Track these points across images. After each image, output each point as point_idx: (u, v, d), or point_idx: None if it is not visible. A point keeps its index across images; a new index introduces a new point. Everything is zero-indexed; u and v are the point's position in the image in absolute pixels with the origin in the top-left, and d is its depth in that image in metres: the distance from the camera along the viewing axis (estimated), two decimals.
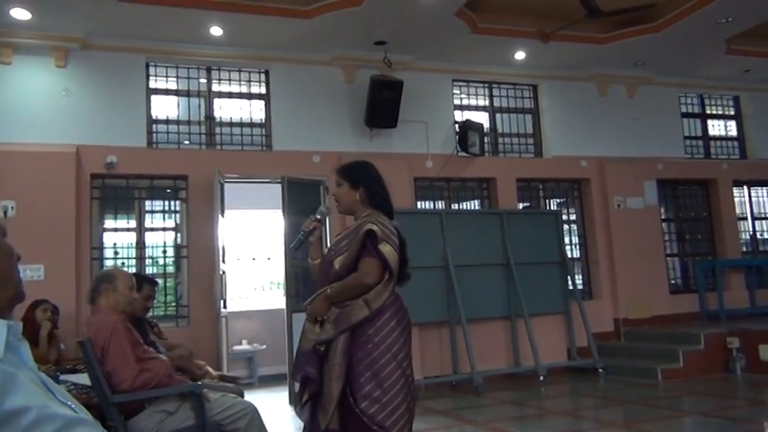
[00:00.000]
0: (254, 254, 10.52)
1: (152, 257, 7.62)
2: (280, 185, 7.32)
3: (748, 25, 8.33)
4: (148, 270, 7.53)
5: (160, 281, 7.40)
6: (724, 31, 8.42)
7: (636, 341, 8.59)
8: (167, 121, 7.83)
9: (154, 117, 7.75)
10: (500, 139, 9.32)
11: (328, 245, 3.25)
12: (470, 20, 7.80)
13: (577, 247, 9.39)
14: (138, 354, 3.36)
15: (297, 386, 2.97)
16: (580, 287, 8.87)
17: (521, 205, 9.08)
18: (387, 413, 2.74)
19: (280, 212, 7.33)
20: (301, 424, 3.05)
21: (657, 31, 8.28)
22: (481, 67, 8.97)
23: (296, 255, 6.90)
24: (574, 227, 9.47)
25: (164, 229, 7.70)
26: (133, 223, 7.56)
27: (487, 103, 9.36)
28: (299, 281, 7.20)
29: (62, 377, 3.92)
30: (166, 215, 7.74)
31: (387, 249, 2.87)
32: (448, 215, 7.94)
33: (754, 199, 10.75)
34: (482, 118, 9.14)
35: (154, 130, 7.71)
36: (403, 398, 2.80)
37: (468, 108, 9.20)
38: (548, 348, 7.96)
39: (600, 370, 7.84)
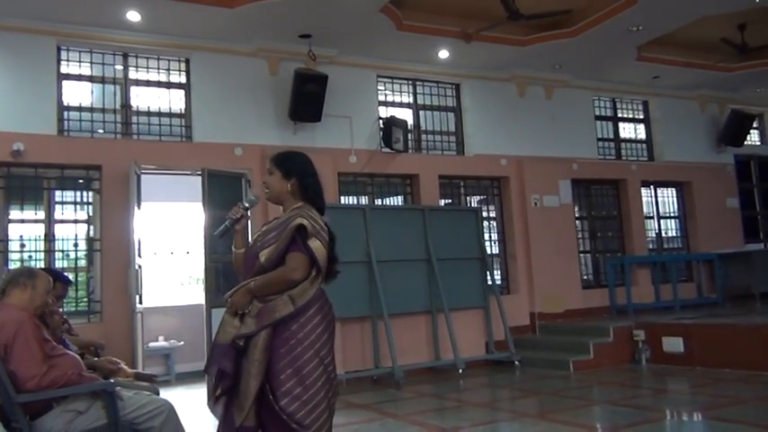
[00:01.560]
0: (172, 248, 10.23)
1: (62, 251, 7.28)
2: (200, 178, 7.14)
3: (657, 34, 8.81)
4: (58, 264, 7.19)
5: (71, 275, 7.08)
6: (635, 39, 8.86)
7: (550, 334, 8.92)
8: (80, 108, 7.48)
9: (65, 104, 7.39)
10: (423, 137, 9.44)
11: (252, 235, 3.14)
12: (396, 17, 7.86)
13: (496, 243, 9.64)
14: (46, 351, 3.20)
15: (211, 380, 2.86)
16: (498, 282, 9.11)
17: (442, 202, 9.23)
18: (307, 410, 2.69)
19: (200, 205, 7.14)
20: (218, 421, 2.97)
21: (574, 36, 8.61)
22: (406, 64, 9.06)
23: (216, 248, 6.76)
24: (493, 223, 9.71)
25: (75, 221, 7.36)
26: (42, 214, 7.18)
27: (411, 100, 9.45)
28: (220, 275, 7.04)
29: None
30: (78, 207, 7.40)
31: (316, 245, 2.80)
32: (371, 211, 7.97)
33: (660, 199, 11.38)
34: (406, 115, 9.23)
35: (65, 117, 7.36)
36: (324, 395, 2.75)
37: (393, 104, 9.27)
38: (467, 342, 8.14)
39: (516, 362, 8.08)
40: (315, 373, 2.73)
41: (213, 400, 2.83)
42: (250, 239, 3.10)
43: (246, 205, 3.05)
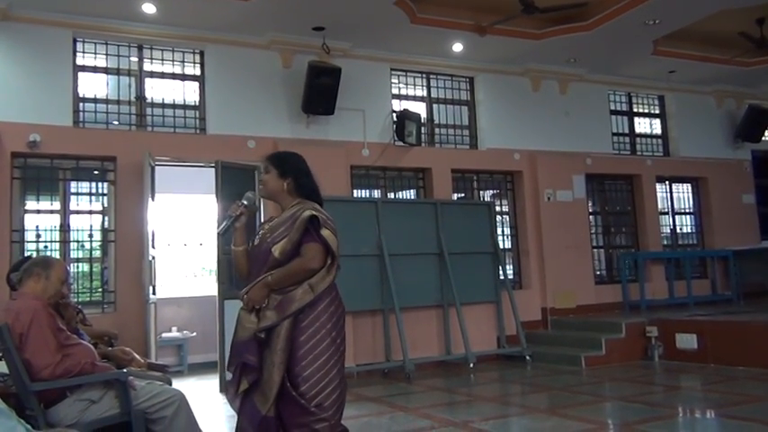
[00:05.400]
0: (185, 239, 10.29)
1: (77, 241, 7.34)
2: (213, 170, 7.17)
3: (674, 28, 8.69)
4: (73, 254, 7.25)
5: (86, 265, 7.13)
6: (651, 33, 8.76)
7: (562, 330, 8.88)
8: (95, 100, 7.52)
9: (81, 95, 7.44)
10: (436, 130, 9.41)
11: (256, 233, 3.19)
12: (410, 10, 7.82)
13: (509, 237, 9.60)
14: (60, 340, 3.24)
15: (229, 374, 2.93)
16: (510, 277, 9.07)
17: (455, 196, 9.20)
18: (326, 394, 2.81)
19: (213, 197, 7.18)
20: (230, 412, 3.02)
21: (589, 30, 8.52)
22: (419, 57, 9.02)
23: (229, 240, 6.79)
24: (506, 218, 9.67)
25: (90, 212, 7.42)
26: (57, 205, 7.24)
27: (425, 93, 9.42)
28: (232, 267, 7.05)
29: None
30: (93, 198, 7.46)
31: (327, 234, 2.92)
32: (383, 204, 7.98)
33: (675, 195, 11.27)
34: (419, 108, 9.20)
35: (81, 108, 7.40)
36: (340, 380, 2.88)
37: (406, 98, 9.24)
38: (478, 336, 8.14)
39: (527, 357, 8.07)
40: (332, 360, 2.86)
41: (233, 395, 2.92)
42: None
43: (245, 203, 3.15)
